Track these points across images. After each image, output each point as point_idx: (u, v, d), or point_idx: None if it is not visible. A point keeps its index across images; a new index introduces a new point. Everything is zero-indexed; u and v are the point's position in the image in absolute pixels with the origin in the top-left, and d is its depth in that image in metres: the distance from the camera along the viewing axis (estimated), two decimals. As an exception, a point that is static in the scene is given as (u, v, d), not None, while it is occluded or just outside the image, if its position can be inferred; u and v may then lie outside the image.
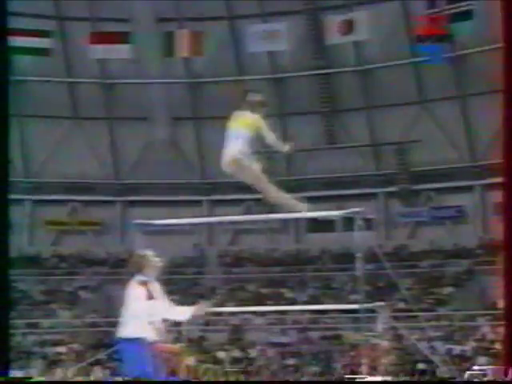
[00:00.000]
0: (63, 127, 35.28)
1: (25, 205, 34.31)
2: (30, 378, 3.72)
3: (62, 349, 28.13)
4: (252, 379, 26.45)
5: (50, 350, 28.25)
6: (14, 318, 27.06)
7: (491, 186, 28.22)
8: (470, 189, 32.72)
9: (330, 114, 34.66)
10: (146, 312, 7.26)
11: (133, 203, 35.11)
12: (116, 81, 35.06)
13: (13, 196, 4.71)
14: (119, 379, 4.56)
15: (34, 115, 33.45)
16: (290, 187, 36.08)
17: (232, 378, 26.57)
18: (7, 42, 5.68)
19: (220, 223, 33.57)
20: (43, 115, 34.13)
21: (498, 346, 24.52)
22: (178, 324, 11.46)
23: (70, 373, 23.32)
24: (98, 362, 24.85)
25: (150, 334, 7.22)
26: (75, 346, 28.28)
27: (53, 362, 27.31)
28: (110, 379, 21.02)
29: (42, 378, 5.73)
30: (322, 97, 34.43)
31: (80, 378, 5.64)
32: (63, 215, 35.41)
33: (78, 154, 34.28)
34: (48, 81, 33.92)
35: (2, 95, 4.31)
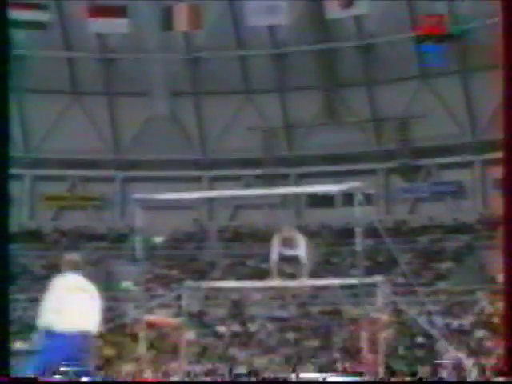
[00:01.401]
0: (62, 102, 35.09)
1: (25, 180, 34.29)
2: (34, 377, 3.75)
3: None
4: (252, 353, 26.66)
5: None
6: (15, 292, 27.23)
7: (492, 162, 28.18)
8: (470, 164, 32.68)
9: (331, 89, 34.48)
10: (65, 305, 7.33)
11: (133, 179, 35.08)
12: (115, 55, 34.84)
13: (13, 171, 4.69)
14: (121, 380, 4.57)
15: (33, 90, 33.19)
16: (289, 162, 36.40)
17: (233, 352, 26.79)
18: (7, 15, 5.59)
19: (220, 198, 33.62)
20: (42, 90, 33.91)
21: (496, 319, 24.69)
22: (178, 299, 11.52)
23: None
24: (98, 336, 24.99)
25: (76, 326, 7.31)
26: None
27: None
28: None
29: (45, 378, 5.72)
30: (322, 72, 34.23)
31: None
32: (63, 190, 35.41)
33: (78, 129, 34.17)
34: (46, 56, 33.68)
35: (2, 69, 4.26)
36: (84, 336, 7.40)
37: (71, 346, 7.24)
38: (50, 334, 7.26)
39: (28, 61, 32.78)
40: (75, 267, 7.68)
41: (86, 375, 7.33)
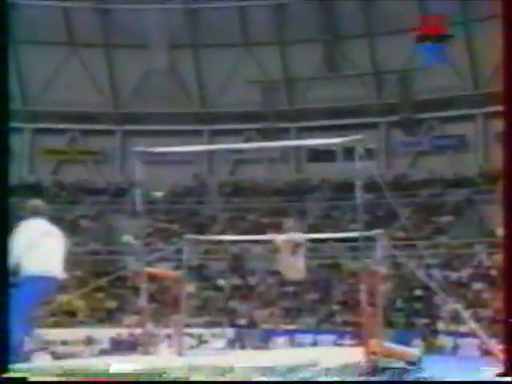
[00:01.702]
0: (59, 54, 34.74)
1: (24, 133, 34.19)
2: (23, 377, 3.79)
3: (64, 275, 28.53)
4: (252, 306, 26.95)
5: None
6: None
7: (494, 115, 28.01)
8: (472, 117, 32.52)
9: (331, 42, 34.11)
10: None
11: (133, 133, 34.96)
12: (112, 6, 34.30)
13: (12, 124, 4.66)
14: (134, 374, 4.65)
15: (29, 41, 32.68)
16: (289, 116, 36.18)
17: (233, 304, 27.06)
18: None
19: (220, 153, 33.56)
20: (38, 41, 33.48)
21: (493, 272, 24.92)
22: (178, 252, 11.58)
23: (73, 297, 23.74)
24: (99, 289, 25.27)
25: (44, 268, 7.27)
26: (78, 273, 28.70)
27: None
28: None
29: (44, 378, 5.77)
30: (322, 23, 33.82)
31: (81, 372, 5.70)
32: (63, 144, 35.35)
33: (76, 81, 33.89)
34: (42, 5, 33.15)
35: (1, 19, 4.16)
36: (50, 280, 7.34)
37: (38, 288, 7.24)
38: (19, 276, 7.26)
39: (22, 10, 32.23)
40: (38, 212, 7.54)
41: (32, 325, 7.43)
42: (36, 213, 7.51)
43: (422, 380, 5.36)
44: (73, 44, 34.95)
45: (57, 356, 18.34)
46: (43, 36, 33.60)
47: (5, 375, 3.47)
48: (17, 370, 5.49)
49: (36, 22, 32.75)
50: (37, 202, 7.73)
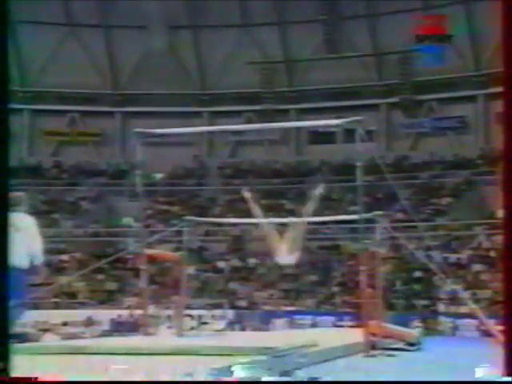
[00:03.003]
0: (58, 35, 34.55)
1: (24, 115, 34.11)
2: (34, 378, 3.81)
3: (64, 257, 28.64)
4: (252, 287, 27.03)
5: (54, 258, 28.76)
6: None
7: (494, 96, 27.93)
8: (473, 99, 32.40)
9: (331, 22, 33.92)
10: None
11: (132, 114, 34.87)
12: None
13: (11, 105, 4.63)
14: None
15: (28, 22, 32.40)
16: (289, 98, 36.02)
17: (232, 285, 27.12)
18: None
19: (220, 134, 33.50)
20: (37, 22, 33.25)
21: (493, 253, 24.97)
22: (178, 234, 11.58)
23: (73, 279, 23.82)
24: (99, 270, 25.33)
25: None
26: (78, 254, 28.78)
27: (56, 270, 27.84)
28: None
29: (45, 378, 5.82)
30: (322, 4, 33.62)
31: (85, 381, 5.74)
32: (63, 126, 35.28)
33: (75, 63, 33.72)
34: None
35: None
36: (16, 270, 7.41)
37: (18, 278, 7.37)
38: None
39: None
40: (16, 205, 7.77)
41: (22, 307, 7.77)
42: (14, 205, 7.53)
43: (422, 380, 5.38)
44: (72, 25, 34.76)
45: (59, 337, 18.43)
46: (42, 17, 33.39)
47: (12, 376, 3.50)
48: (21, 350, 5.52)
49: (35, 2, 32.49)
50: (15, 195, 7.82)
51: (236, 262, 28.66)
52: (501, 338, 3.77)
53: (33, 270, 7.80)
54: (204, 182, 33.59)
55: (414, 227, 19.46)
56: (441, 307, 24.37)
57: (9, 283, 7.19)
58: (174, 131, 13.67)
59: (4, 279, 3.67)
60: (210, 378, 5.19)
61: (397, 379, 5.52)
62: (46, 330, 18.33)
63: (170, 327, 11.17)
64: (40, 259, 7.93)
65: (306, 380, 5.71)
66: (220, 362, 5.87)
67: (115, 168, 33.64)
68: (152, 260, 10.47)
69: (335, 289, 26.60)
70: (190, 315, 16.11)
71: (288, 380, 5.85)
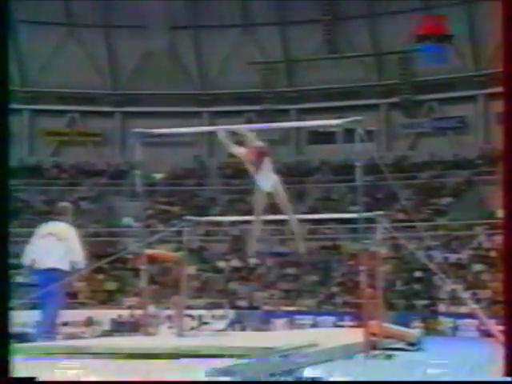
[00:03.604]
0: (58, 35, 34.57)
1: (23, 115, 34.12)
2: (33, 378, 3.84)
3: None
4: (252, 288, 27.04)
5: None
6: (16, 226, 27.36)
7: (495, 96, 27.94)
8: (473, 99, 32.41)
9: (331, 22, 33.94)
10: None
11: (132, 114, 34.89)
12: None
13: (11, 105, 4.64)
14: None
15: (28, 21, 32.44)
16: (289, 98, 36.04)
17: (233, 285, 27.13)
18: None
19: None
20: (37, 21, 33.28)
21: (493, 253, 24.99)
22: (178, 234, 11.59)
23: (73, 279, 23.77)
24: (99, 270, 25.34)
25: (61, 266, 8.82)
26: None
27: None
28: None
29: (44, 379, 5.94)
30: (322, 3, 33.63)
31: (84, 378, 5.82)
32: (62, 126, 35.28)
33: (75, 63, 33.75)
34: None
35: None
36: (54, 272, 8.70)
37: (46, 280, 8.63)
38: (31, 270, 9.01)
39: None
40: (61, 214, 9.18)
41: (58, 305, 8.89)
42: (59, 214, 9.17)
43: (422, 380, 5.38)
44: (72, 25, 34.77)
45: (60, 337, 18.43)
46: (42, 17, 33.40)
47: (12, 376, 3.50)
48: (21, 350, 5.52)
49: (35, 2, 32.51)
50: (60, 205, 9.51)
51: (236, 262, 28.67)
52: (501, 338, 3.77)
53: (74, 274, 8.94)
54: (204, 181, 33.60)
55: (414, 227, 19.44)
56: (441, 307, 24.38)
57: (50, 285, 8.32)
58: (174, 131, 13.65)
59: (5, 279, 3.68)
60: (210, 378, 5.19)
61: (397, 379, 5.53)
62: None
63: (170, 327, 11.18)
64: (82, 265, 9.03)
65: (306, 380, 5.71)
66: (220, 362, 5.87)
67: (115, 168, 33.64)
68: (152, 260, 10.47)
69: (335, 289, 26.61)
70: (190, 315, 16.12)
71: (288, 380, 5.86)
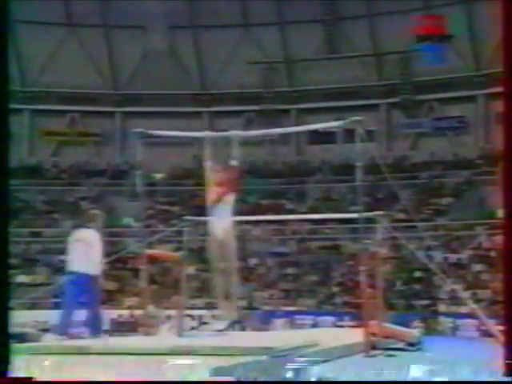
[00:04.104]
0: (58, 35, 34.55)
1: (24, 115, 34.11)
2: (31, 378, 3.86)
3: (65, 257, 28.63)
4: (252, 287, 27.02)
5: (54, 258, 28.76)
6: (17, 226, 27.36)
7: (495, 96, 27.94)
8: (473, 99, 32.40)
9: (331, 22, 33.93)
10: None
11: (132, 114, 34.87)
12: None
13: (11, 105, 4.64)
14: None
15: (28, 21, 32.37)
16: (289, 98, 36.04)
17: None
18: None
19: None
20: (36, 21, 33.25)
21: (492, 253, 24.98)
22: (178, 234, 11.58)
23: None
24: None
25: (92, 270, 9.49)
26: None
27: (56, 270, 27.84)
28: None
29: (44, 379, 5.96)
30: (322, 4, 33.62)
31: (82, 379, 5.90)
32: (62, 126, 35.28)
33: (75, 63, 33.74)
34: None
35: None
36: (84, 276, 9.41)
37: (71, 282, 9.50)
38: (67, 274, 9.80)
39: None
40: (91, 221, 9.77)
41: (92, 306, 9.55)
42: (89, 221, 9.80)
43: (422, 380, 5.38)
44: (72, 25, 34.77)
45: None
46: (42, 17, 33.40)
47: (9, 374, 3.49)
48: (21, 349, 5.52)
49: (35, 2, 32.48)
50: (89, 212, 10.20)
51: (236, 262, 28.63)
52: (501, 337, 3.77)
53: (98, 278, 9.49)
54: (204, 182, 33.55)
55: (414, 227, 19.44)
56: (441, 307, 24.37)
57: (78, 287, 9.17)
58: (173, 134, 13.65)
59: (6, 279, 3.69)
60: (210, 378, 5.19)
61: (397, 379, 5.53)
62: (45, 330, 18.33)
63: (170, 327, 11.17)
64: (97, 271, 9.54)
65: (306, 380, 5.71)
66: (220, 362, 5.87)
67: (115, 168, 33.63)
68: (152, 260, 10.47)
69: (335, 289, 26.60)
70: (190, 315, 16.10)
71: (288, 380, 5.85)
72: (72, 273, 9.50)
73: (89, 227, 9.72)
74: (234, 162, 9.09)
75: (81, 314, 9.62)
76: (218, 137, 9.61)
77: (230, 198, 8.88)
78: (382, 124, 33.60)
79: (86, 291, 9.40)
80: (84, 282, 9.38)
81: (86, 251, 9.50)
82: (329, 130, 32.45)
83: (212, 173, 8.97)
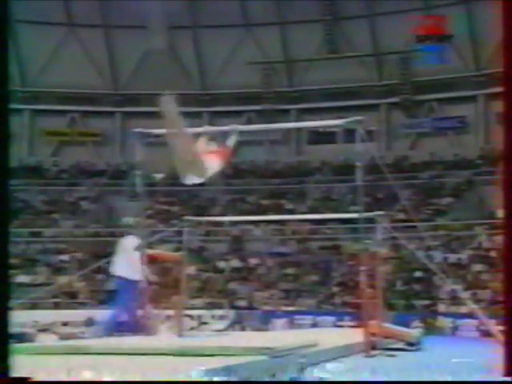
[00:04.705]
0: (58, 35, 34.57)
1: (24, 115, 34.13)
2: (31, 378, 3.86)
3: (65, 257, 28.66)
4: (252, 288, 27.03)
5: (54, 258, 28.79)
6: (17, 226, 27.37)
7: (495, 96, 27.95)
8: (473, 99, 32.41)
9: (332, 22, 33.94)
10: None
11: (132, 114, 34.88)
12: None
13: (11, 105, 4.63)
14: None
15: (28, 21, 32.40)
16: (290, 98, 36.06)
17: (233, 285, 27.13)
18: None
19: (220, 134, 33.45)
20: (37, 21, 33.27)
21: (492, 253, 24.99)
22: (178, 234, 11.58)
23: (73, 279, 23.82)
24: (99, 270, 25.31)
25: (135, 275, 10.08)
26: (78, 254, 28.79)
27: (56, 270, 27.88)
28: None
29: (43, 379, 5.94)
30: (322, 3, 33.62)
31: (84, 379, 5.81)
32: (63, 126, 35.29)
33: (75, 63, 33.76)
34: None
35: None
36: (120, 279, 10.28)
37: (114, 285, 10.66)
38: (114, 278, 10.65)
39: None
40: (135, 228, 10.71)
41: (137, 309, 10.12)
42: (129, 228, 10.98)
43: (422, 380, 5.38)
44: (72, 25, 34.78)
45: (58, 337, 18.45)
46: (42, 17, 33.41)
47: (6, 374, 3.50)
48: (20, 349, 5.52)
49: (34, 2, 32.50)
50: (127, 220, 11.46)
51: (236, 262, 28.66)
52: (501, 337, 3.77)
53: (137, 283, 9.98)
54: (204, 182, 33.54)
55: (414, 227, 19.44)
56: (441, 307, 24.37)
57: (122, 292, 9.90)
58: (174, 132, 13.62)
59: (6, 279, 3.69)
60: (210, 378, 5.19)
61: (397, 379, 5.52)
62: (45, 330, 18.34)
63: (170, 327, 11.17)
64: (137, 276, 10.00)
65: (306, 380, 5.71)
66: (220, 362, 5.87)
67: (115, 168, 33.64)
68: (152, 260, 10.48)
69: (335, 289, 26.60)
70: (190, 315, 16.11)
71: (288, 380, 5.85)
72: (117, 277, 10.38)
73: (132, 234, 10.65)
74: (228, 143, 8.48)
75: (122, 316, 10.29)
76: (217, 133, 9.39)
77: (215, 165, 8.09)
78: (382, 124, 33.61)
79: (127, 295, 10.05)
80: (121, 285, 10.21)
81: (124, 257, 10.35)
82: (329, 130, 32.49)
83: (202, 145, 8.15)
